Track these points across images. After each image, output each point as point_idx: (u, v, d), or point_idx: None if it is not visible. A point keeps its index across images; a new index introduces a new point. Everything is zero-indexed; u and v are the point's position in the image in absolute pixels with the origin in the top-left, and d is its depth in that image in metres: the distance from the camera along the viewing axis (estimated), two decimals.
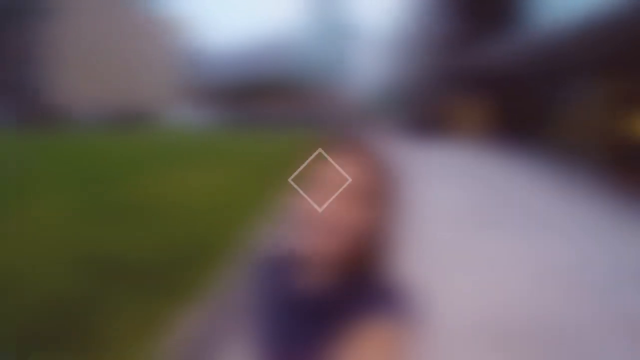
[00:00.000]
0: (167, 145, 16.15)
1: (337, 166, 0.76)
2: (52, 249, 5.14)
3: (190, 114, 30.26)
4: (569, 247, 5.76)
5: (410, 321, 0.73)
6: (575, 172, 14.04)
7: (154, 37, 60.38)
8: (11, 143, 21.36)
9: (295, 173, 0.83)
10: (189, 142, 17.46)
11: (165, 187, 8.47)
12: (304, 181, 0.79)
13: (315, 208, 0.74)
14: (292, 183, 0.82)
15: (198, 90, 78.37)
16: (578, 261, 5.23)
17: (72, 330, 3.23)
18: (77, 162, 13.17)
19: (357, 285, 0.81)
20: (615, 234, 6.64)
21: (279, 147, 14.97)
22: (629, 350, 3.24)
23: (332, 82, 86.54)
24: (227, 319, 3.52)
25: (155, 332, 3.24)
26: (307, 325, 0.82)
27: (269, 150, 14.38)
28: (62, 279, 4.20)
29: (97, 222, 6.28)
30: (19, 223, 6.23)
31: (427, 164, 12.25)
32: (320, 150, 0.80)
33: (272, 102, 68.45)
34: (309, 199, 0.76)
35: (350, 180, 0.74)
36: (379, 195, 0.78)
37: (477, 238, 5.80)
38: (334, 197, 0.74)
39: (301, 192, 0.79)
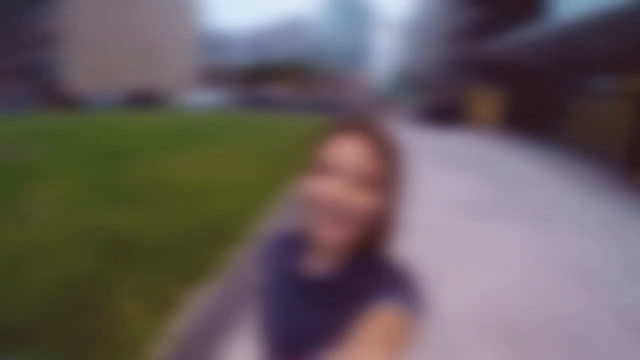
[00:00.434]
0: (181, 128, 16.22)
1: (348, 150, 0.76)
2: (66, 229, 5.30)
3: (206, 97, 30.15)
4: (572, 239, 5.79)
5: (415, 307, 0.72)
6: (588, 166, 13.90)
7: (172, 19, 60.49)
8: (28, 124, 21.62)
9: (307, 156, 0.83)
10: (204, 125, 17.47)
11: (179, 168, 8.58)
12: (315, 164, 0.79)
13: (325, 191, 0.75)
14: (302, 166, 0.82)
15: (214, 73, 78.27)
16: (580, 253, 5.26)
17: (83, 309, 3.34)
18: (93, 143, 13.33)
19: (364, 269, 0.82)
20: (622, 229, 6.63)
21: (293, 130, 14.95)
22: (629, 344, 3.30)
23: (349, 67, 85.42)
24: (237, 300, 3.60)
25: (167, 312, 3.34)
26: (313, 308, 0.82)
27: (283, 133, 14.37)
28: (76, 257, 4.33)
29: (110, 202, 6.41)
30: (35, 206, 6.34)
31: (439, 151, 12.21)
32: (331, 133, 0.80)
33: (289, 85, 67.97)
34: (318, 182, 0.76)
35: (360, 163, 0.75)
36: (387, 180, 0.78)
37: (481, 227, 5.83)
38: (343, 180, 0.74)
39: (311, 175, 0.79)
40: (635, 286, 4.42)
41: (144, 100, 32.96)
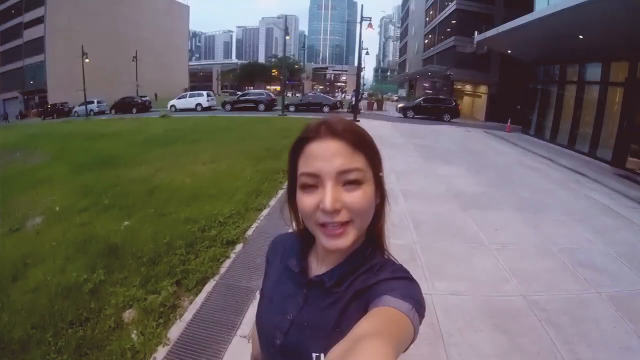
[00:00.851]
0: (171, 131, 16.11)
1: (325, 153, 0.75)
2: (60, 238, 5.28)
3: (194, 99, 29.97)
4: (563, 227, 5.87)
5: (414, 304, 0.72)
6: (577, 155, 14.12)
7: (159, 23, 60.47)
8: (19, 132, 21.36)
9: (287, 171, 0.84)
10: (193, 127, 17.35)
11: (170, 172, 8.54)
12: (300, 178, 0.78)
13: (318, 202, 0.75)
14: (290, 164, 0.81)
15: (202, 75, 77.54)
16: (571, 241, 5.35)
17: (81, 318, 3.34)
18: (84, 149, 13.21)
19: (363, 267, 0.82)
20: (611, 216, 6.75)
21: (282, 130, 14.92)
22: (622, 330, 3.36)
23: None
24: (232, 303, 3.61)
25: (164, 318, 3.34)
26: (314, 306, 0.83)
27: (273, 133, 14.34)
28: (71, 266, 4.30)
29: (102, 209, 6.37)
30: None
31: (428, 143, 12.31)
32: (305, 142, 0.79)
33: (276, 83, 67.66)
34: (310, 195, 0.77)
35: (341, 162, 0.74)
36: (370, 170, 0.78)
37: (473, 216, 5.89)
38: (331, 184, 0.74)
39: (300, 189, 0.79)
40: (626, 272, 4.50)
41: (133, 105, 32.56)
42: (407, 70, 59.09)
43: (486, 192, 7.50)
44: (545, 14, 12.87)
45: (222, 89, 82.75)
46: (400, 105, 30.55)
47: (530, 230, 5.62)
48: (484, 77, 29.80)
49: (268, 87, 66.08)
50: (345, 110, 27.66)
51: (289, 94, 58.67)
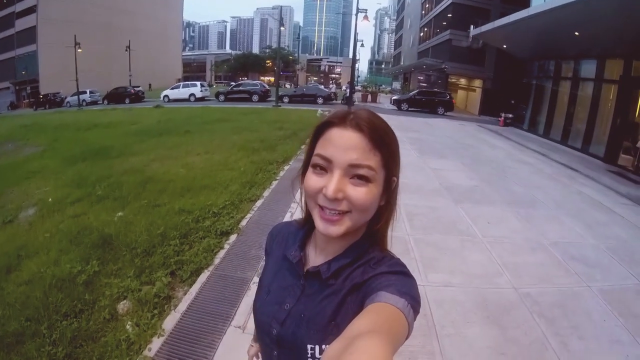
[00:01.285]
0: (165, 122, 15.99)
1: (343, 142, 0.76)
2: (53, 229, 5.25)
3: (188, 90, 29.74)
4: (556, 222, 5.93)
5: (411, 299, 0.72)
6: (570, 151, 14.21)
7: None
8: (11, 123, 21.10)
9: (305, 152, 0.85)
10: (187, 118, 17.23)
11: (164, 163, 8.49)
12: (313, 159, 0.80)
13: (324, 185, 0.76)
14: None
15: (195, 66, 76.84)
16: (564, 236, 5.41)
17: (75, 310, 3.33)
18: (77, 140, 13.09)
19: (362, 261, 0.83)
20: (603, 212, 6.82)
21: (277, 121, 14.85)
22: (614, 324, 3.41)
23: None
24: (228, 294, 3.61)
25: (159, 309, 3.34)
26: (312, 298, 0.83)
27: (267, 124, 14.28)
28: (65, 258, 4.28)
29: (96, 200, 6.33)
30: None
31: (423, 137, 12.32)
32: (326, 127, 0.80)
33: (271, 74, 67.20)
34: (318, 177, 0.78)
35: (356, 155, 0.75)
36: (384, 169, 0.79)
37: (467, 210, 5.93)
38: (341, 173, 0.75)
39: (310, 169, 0.80)
40: (616, 267, 4.56)
41: (126, 95, 32.25)
42: (402, 63, 58.92)
43: (479, 186, 7.54)
44: (541, 10, 12.89)
45: (215, 80, 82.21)
46: (394, 97, 30.49)
47: (523, 224, 5.67)
48: (478, 71, 29.81)
49: (262, 78, 65.76)
50: (340, 102, 27.57)
51: (287, 85, 58.42)
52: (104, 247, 4.42)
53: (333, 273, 0.83)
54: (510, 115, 21.54)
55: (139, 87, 35.19)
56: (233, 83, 37.10)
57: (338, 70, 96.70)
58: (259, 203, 5.99)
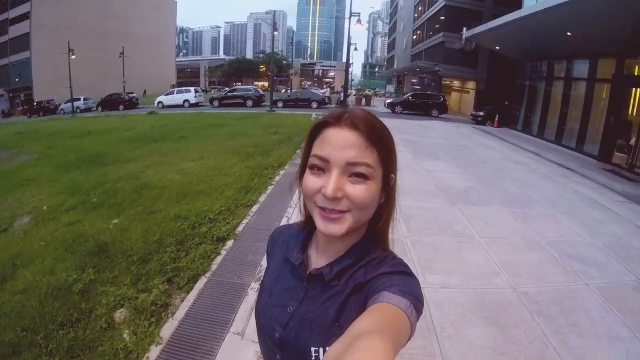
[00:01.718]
0: (159, 128, 15.96)
1: (340, 142, 0.76)
2: (49, 238, 5.20)
3: (183, 96, 29.76)
4: (552, 221, 5.95)
5: (413, 300, 0.72)
6: (565, 150, 14.28)
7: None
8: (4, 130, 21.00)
9: (302, 152, 0.85)
10: (181, 124, 17.20)
11: (159, 169, 8.46)
12: (310, 159, 0.79)
13: (322, 185, 0.76)
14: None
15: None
16: (560, 234, 5.42)
17: (72, 319, 3.30)
18: (71, 147, 13.02)
19: (363, 262, 0.83)
20: (598, 210, 6.84)
21: (272, 126, 14.86)
22: (612, 322, 3.41)
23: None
24: (226, 300, 3.59)
25: (156, 316, 3.31)
26: (314, 300, 0.83)
27: (262, 129, 14.29)
28: (61, 266, 4.24)
29: (90, 207, 6.29)
30: None
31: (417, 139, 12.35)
32: (323, 127, 0.80)
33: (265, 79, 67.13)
34: (316, 177, 0.77)
35: (354, 154, 0.75)
36: (381, 167, 0.78)
37: (463, 211, 5.94)
38: (339, 172, 0.75)
39: (308, 170, 0.80)
40: (613, 264, 4.58)
41: (120, 102, 32.17)
42: (395, 66, 59.18)
43: (475, 186, 7.56)
44: (533, 11, 12.99)
45: (209, 85, 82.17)
46: (388, 100, 30.58)
47: (519, 224, 5.69)
48: (472, 73, 30.00)
49: (256, 83, 65.78)
50: (334, 105, 27.61)
51: (283, 90, 58.56)
52: (100, 254, 4.39)
53: (336, 274, 0.82)
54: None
55: (133, 93, 35.10)
56: (227, 88, 37.10)
57: (332, 74, 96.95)
58: (255, 208, 5.98)
